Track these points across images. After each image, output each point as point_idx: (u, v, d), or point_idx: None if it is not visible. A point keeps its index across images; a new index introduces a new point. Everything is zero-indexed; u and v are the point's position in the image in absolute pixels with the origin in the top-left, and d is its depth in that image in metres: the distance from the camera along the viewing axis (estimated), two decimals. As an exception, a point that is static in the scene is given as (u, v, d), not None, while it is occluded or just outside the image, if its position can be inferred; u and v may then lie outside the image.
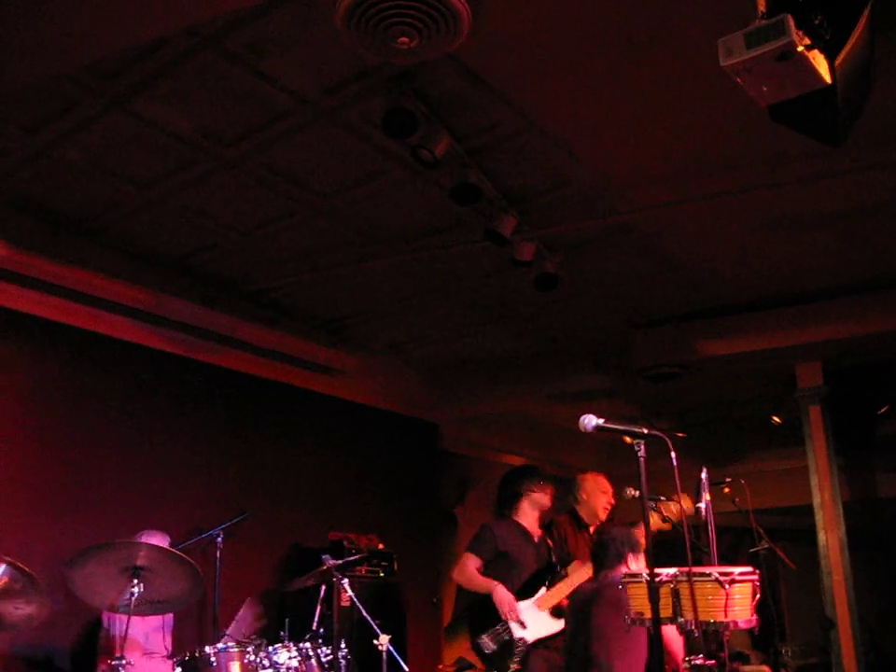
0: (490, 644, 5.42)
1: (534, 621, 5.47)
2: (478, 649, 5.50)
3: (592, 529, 6.21)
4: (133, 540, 4.77)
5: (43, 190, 5.53)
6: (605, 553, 4.70)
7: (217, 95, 4.58)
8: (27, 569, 4.33)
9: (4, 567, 4.30)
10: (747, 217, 5.92)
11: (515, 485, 6.02)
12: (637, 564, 4.55)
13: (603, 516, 6.22)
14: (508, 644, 5.39)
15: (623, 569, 4.44)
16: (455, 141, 4.80)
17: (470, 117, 4.75)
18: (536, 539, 5.88)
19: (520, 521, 5.89)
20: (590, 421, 3.28)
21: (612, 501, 6.25)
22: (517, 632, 5.39)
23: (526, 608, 5.47)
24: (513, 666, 5.27)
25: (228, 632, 5.16)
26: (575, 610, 4.77)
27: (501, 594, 5.48)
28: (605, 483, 6.25)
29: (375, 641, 5.26)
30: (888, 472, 9.60)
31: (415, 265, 6.58)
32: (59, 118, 4.73)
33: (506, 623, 5.44)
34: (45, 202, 5.67)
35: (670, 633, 4.05)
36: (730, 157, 5.18)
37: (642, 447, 3.19)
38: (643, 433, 3.21)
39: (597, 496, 6.23)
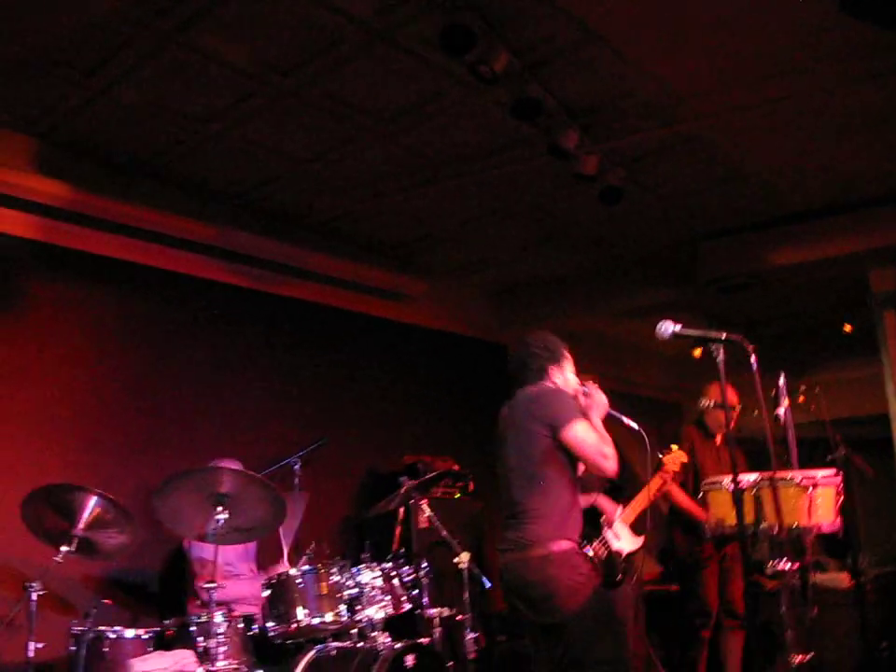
0: (602, 552, 5.35)
1: (623, 534, 5.46)
2: None
3: (718, 439, 6.19)
4: (215, 466, 4.86)
5: (103, 132, 5.56)
6: (524, 369, 4.19)
7: (271, 23, 4.53)
8: (116, 499, 4.48)
9: (95, 498, 4.46)
10: (815, 119, 5.73)
11: None
12: (561, 376, 4.19)
13: (731, 426, 6.15)
14: (611, 555, 5.33)
15: (548, 384, 4.13)
16: (513, 56, 4.70)
17: (528, 30, 4.63)
18: None
19: None
20: (667, 328, 3.27)
21: (738, 408, 6.14)
22: (615, 543, 5.33)
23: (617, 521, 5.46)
24: (617, 577, 5.21)
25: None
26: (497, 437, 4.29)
27: (606, 502, 5.44)
28: (730, 392, 6.14)
29: (456, 560, 5.35)
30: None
31: (478, 186, 6.52)
32: (114, 57, 4.73)
33: (603, 534, 5.39)
34: (106, 143, 5.71)
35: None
36: (794, 57, 4.99)
37: (721, 352, 3.17)
38: (721, 338, 3.19)
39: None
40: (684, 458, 5.94)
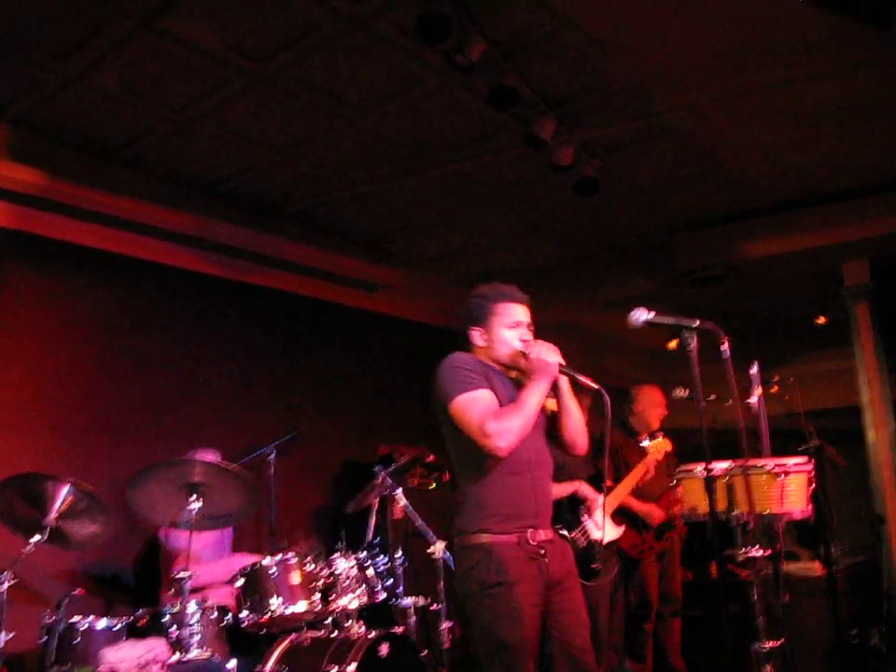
0: (582, 540, 5.39)
1: (604, 524, 5.50)
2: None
3: (645, 436, 6.29)
4: (188, 458, 4.85)
5: (79, 119, 5.51)
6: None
7: (246, 9, 4.50)
8: (89, 488, 4.45)
9: (68, 487, 4.43)
10: (788, 112, 5.77)
11: None
12: (487, 336, 3.68)
13: (656, 426, 6.33)
14: (590, 544, 5.38)
15: (455, 356, 3.68)
16: (489, 45, 4.70)
17: (505, 18, 4.63)
18: None
19: None
20: (640, 315, 3.25)
21: (666, 412, 6.35)
22: (594, 533, 5.36)
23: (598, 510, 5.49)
24: (595, 567, 5.25)
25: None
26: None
27: (588, 490, 5.47)
28: (660, 396, 6.36)
29: (430, 550, 5.36)
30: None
31: (455, 176, 6.51)
32: (89, 42, 4.68)
33: (583, 522, 5.43)
34: (81, 130, 5.66)
35: None
36: (770, 49, 5.02)
37: (693, 340, 3.17)
38: (693, 326, 3.19)
39: (651, 408, 6.36)
40: (668, 447, 6.02)
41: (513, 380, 3.66)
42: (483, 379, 3.51)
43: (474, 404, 3.42)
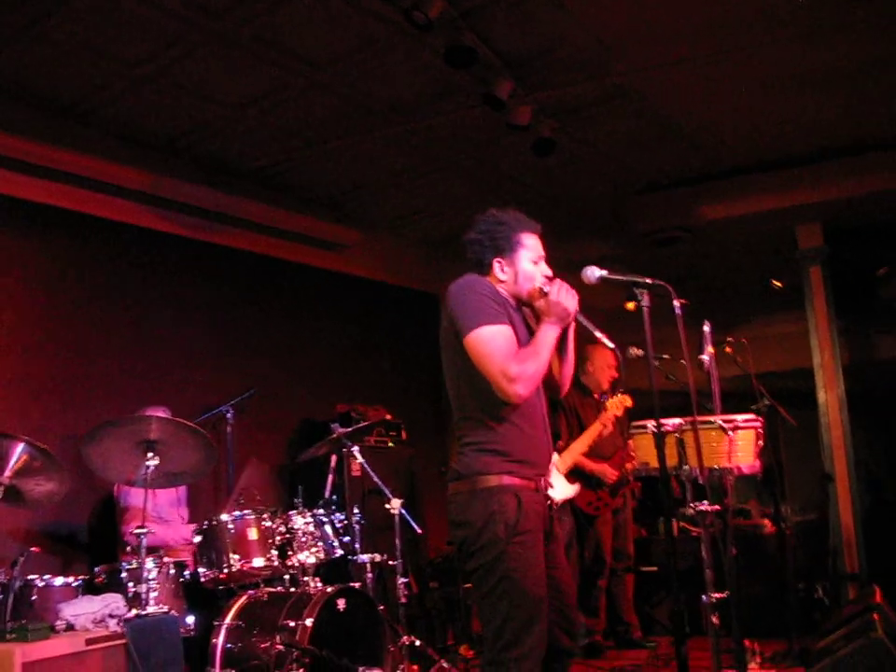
0: None
1: (558, 483, 5.57)
2: None
3: (596, 395, 6.37)
4: (143, 414, 4.84)
5: (31, 74, 5.41)
6: (471, 262, 3.42)
7: (202, -37, 4.46)
8: (44, 447, 4.43)
9: (22, 445, 4.40)
10: (747, 76, 5.82)
11: None
12: (510, 269, 3.33)
13: (606, 387, 6.43)
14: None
15: (475, 281, 3.29)
16: (447, 3, 4.69)
17: (463, -24, 4.63)
18: None
19: None
20: (593, 272, 3.25)
21: (616, 375, 6.43)
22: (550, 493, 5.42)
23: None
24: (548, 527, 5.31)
25: (238, 488, 5.29)
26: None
27: None
28: (611, 357, 6.42)
29: (387, 506, 5.42)
30: (887, 335, 9.67)
31: (413, 136, 6.50)
32: (41, -7, 4.61)
33: None
34: (35, 86, 5.57)
35: None
36: (730, 13, 5.05)
37: (645, 297, 3.20)
38: (647, 283, 3.21)
39: (603, 369, 6.45)
40: (629, 402, 6.09)
41: (524, 318, 3.37)
42: (505, 313, 3.18)
43: (496, 340, 3.08)
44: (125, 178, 6.25)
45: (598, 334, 3.24)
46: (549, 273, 3.34)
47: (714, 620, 3.46)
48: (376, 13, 4.88)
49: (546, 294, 3.22)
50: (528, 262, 3.32)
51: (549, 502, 3.23)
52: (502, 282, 3.31)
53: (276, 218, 7.29)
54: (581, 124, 6.39)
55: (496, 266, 3.31)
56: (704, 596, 3.52)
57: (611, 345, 3.25)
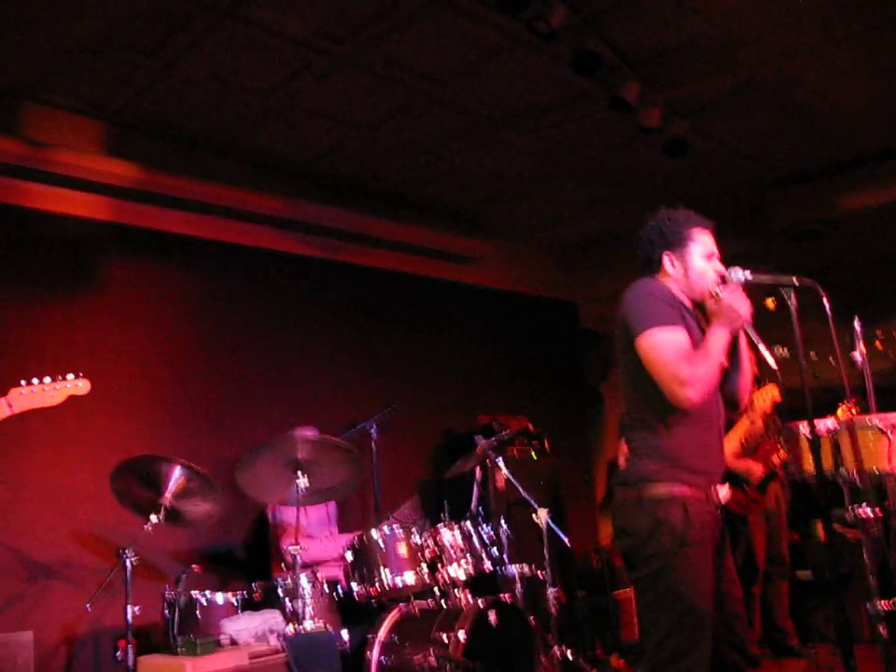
0: None
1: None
2: None
3: None
4: (290, 435, 4.97)
5: (168, 111, 5.66)
6: (642, 264, 3.37)
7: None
8: (199, 468, 4.61)
9: (179, 468, 4.60)
10: (879, 59, 5.59)
11: None
12: (680, 264, 3.27)
13: None
14: None
15: (646, 282, 3.23)
16: (569, 9, 4.66)
17: (583, -18, 4.60)
18: None
19: None
20: (737, 275, 3.16)
21: (756, 372, 6.16)
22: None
23: None
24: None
25: (392, 516, 5.37)
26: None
27: None
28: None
29: (534, 516, 5.40)
30: None
31: (541, 144, 6.50)
32: (175, 35, 4.81)
33: None
34: (171, 121, 5.82)
35: None
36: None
37: (793, 297, 3.09)
38: (793, 283, 3.10)
39: None
40: (776, 395, 5.81)
41: (698, 321, 3.24)
42: (679, 316, 3.10)
43: (669, 344, 3.00)
44: (262, 205, 6.44)
45: (762, 347, 3.11)
46: (722, 270, 3.22)
47: (881, 629, 3.33)
48: (499, 27, 4.90)
49: (717, 296, 3.13)
50: (700, 258, 3.23)
51: (719, 512, 3.11)
52: (673, 278, 3.25)
53: (408, 235, 7.38)
54: (711, 121, 6.26)
55: (665, 260, 3.25)
56: (869, 604, 3.39)
57: (774, 365, 3.11)
